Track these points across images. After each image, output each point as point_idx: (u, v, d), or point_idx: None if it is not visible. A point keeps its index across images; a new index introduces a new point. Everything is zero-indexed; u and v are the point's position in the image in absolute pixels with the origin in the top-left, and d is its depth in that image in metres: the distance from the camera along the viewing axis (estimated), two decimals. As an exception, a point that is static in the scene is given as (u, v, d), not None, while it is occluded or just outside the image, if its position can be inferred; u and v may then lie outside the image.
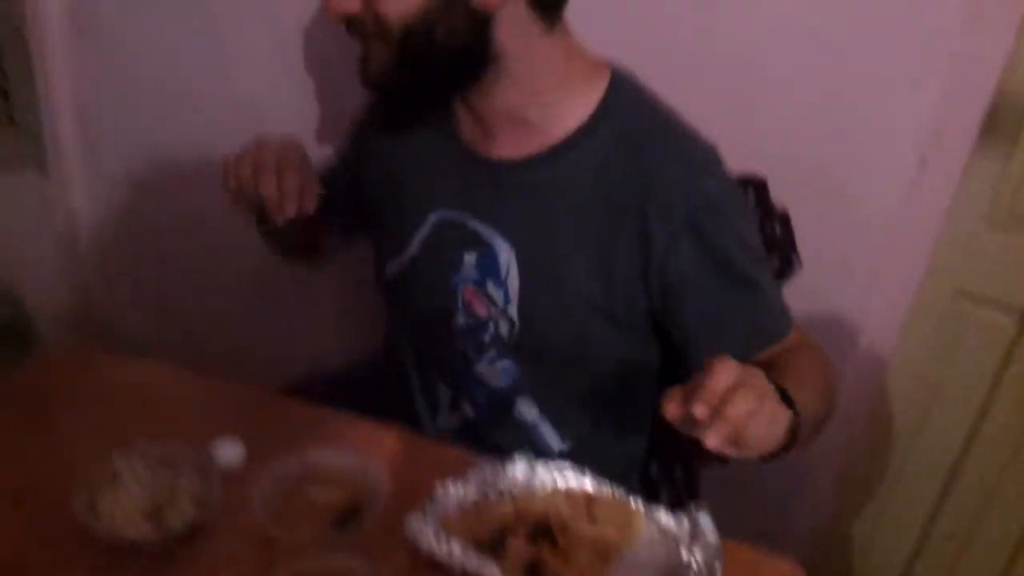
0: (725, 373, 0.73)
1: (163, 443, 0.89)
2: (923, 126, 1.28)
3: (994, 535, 1.64)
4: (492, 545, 0.85)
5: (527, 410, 1.11)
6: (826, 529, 1.74)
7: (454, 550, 0.82)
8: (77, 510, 0.81)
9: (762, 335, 1.02)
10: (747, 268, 1.02)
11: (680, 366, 1.09)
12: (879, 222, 1.37)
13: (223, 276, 1.84)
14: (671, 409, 0.75)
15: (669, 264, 0.98)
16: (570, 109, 1.01)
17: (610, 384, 1.11)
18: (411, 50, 0.94)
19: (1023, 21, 1.23)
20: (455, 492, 0.90)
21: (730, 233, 1.00)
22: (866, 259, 1.41)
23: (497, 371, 1.08)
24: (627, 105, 1.02)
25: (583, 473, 0.94)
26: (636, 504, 0.91)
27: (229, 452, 0.92)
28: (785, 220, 1.25)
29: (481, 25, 0.93)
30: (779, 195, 1.23)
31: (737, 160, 1.09)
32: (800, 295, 1.15)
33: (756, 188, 1.24)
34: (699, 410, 0.71)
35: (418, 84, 0.99)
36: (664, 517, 0.90)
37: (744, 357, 0.92)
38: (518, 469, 0.93)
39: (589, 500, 0.91)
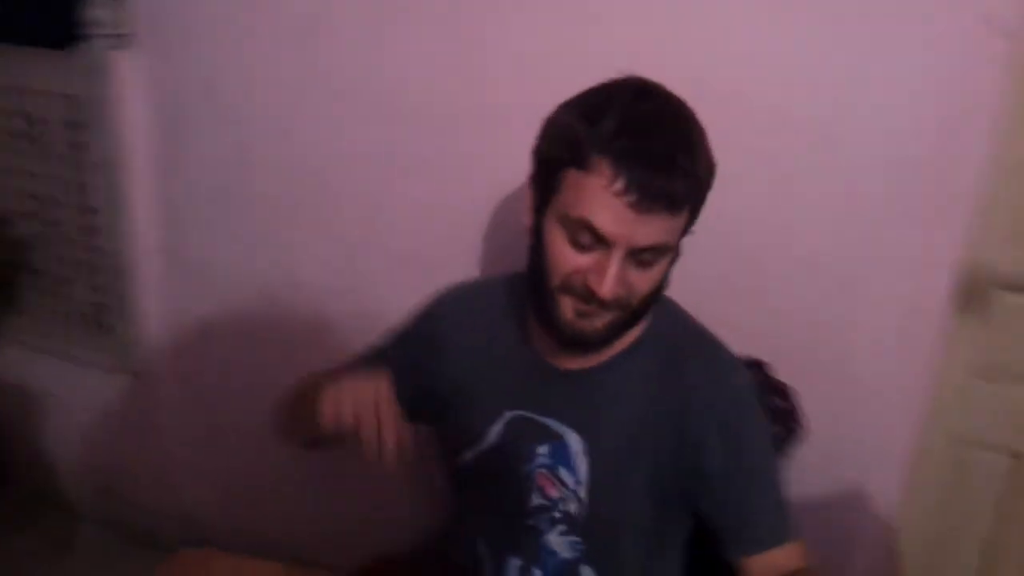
0: None
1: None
2: (901, 302, 1.50)
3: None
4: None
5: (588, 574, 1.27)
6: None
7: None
8: None
9: (780, 526, 1.17)
10: (766, 463, 1.20)
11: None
12: (873, 387, 1.56)
13: (294, 462, 1.96)
14: None
15: (702, 454, 1.17)
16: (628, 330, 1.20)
17: (654, 546, 1.28)
18: (638, 313, 1.15)
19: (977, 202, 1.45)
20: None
21: (753, 427, 1.20)
22: (868, 422, 1.59)
23: (565, 543, 1.25)
24: (668, 323, 1.24)
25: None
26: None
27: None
28: (785, 393, 1.44)
29: None
30: (783, 373, 1.43)
31: (743, 342, 1.29)
32: (814, 455, 1.32)
33: (758, 367, 1.44)
34: None
35: (624, 332, 1.18)
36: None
37: (767, 543, 1.16)
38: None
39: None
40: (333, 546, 1.74)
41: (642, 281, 1.10)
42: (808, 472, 1.25)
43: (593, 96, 1.09)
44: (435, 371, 1.30)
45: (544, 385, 1.25)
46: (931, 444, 1.63)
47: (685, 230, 1.11)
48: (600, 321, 1.12)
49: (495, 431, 1.26)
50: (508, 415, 1.26)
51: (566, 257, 1.09)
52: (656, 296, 1.15)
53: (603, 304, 1.09)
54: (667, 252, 1.10)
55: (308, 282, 1.92)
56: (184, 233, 2.02)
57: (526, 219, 1.16)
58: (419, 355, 1.32)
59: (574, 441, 1.22)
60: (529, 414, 1.25)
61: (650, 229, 1.04)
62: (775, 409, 1.41)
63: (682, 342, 1.23)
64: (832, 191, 1.49)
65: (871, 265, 1.50)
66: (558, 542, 1.25)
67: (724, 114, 1.15)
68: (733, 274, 1.56)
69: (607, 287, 1.05)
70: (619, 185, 1.01)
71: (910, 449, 1.61)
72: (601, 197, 1.03)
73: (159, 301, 2.09)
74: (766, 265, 1.55)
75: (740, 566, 1.17)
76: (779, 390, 1.44)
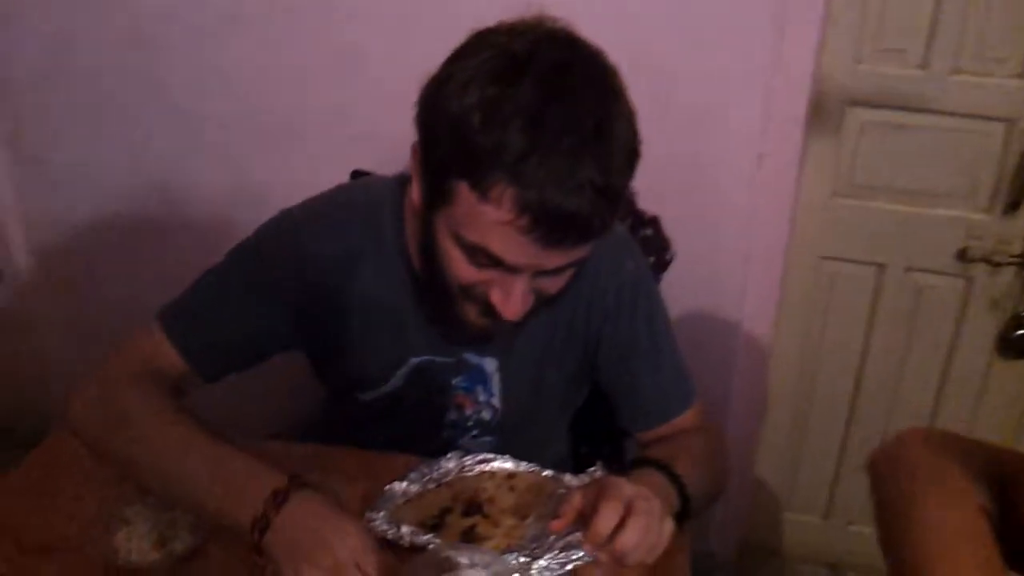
0: (610, 514, 0.88)
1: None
2: (754, 127, 1.52)
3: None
4: (434, 524, 1.06)
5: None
6: (757, 479, 1.97)
7: (403, 532, 1.04)
8: (99, 550, 1.01)
9: (671, 402, 1.19)
10: (659, 338, 1.19)
11: None
12: (739, 212, 1.61)
13: None
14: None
15: (602, 342, 1.17)
16: None
17: (555, 424, 1.32)
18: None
19: (823, 20, 1.48)
20: (401, 488, 1.11)
21: (646, 306, 1.17)
22: (735, 243, 1.65)
23: (478, 444, 1.25)
24: None
25: (504, 457, 1.15)
26: (546, 473, 1.13)
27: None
28: (655, 224, 1.47)
29: None
30: (649, 204, 1.45)
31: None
32: (685, 282, 1.36)
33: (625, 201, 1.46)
34: (587, 548, 0.91)
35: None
36: (570, 479, 1.12)
37: (656, 420, 1.19)
38: (451, 462, 1.15)
39: (509, 476, 1.13)
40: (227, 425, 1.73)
41: (555, 284, 0.98)
42: (680, 302, 1.29)
43: (496, 70, 0.85)
44: (306, 309, 1.11)
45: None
46: (798, 263, 1.72)
47: None
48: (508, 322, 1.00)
49: (399, 375, 1.17)
50: (414, 361, 1.16)
51: (463, 270, 0.94)
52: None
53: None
54: (575, 263, 0.95)
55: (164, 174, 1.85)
56: (22, 122, 1.92)
57: (414, 195, 0.98)
58: (283, 287, 1.10)
59: (490, 364, 1.19)
60: (440, 358, 1.17)
61: (561, 256, 0.90)
62: (645, 238, 1.45)
63: None
64: (677, 10, 1.50)
65: (718, 93, 1.52)
66: (471, 443, 1.26)
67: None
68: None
69: (513, 310, 0.94)
70: (524, 222, 0.84)
71: (778, 270, 1.69)
72: (502, 231, 0.86)
73: (14, 199, 2.00)
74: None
75: (639, 437, 1.21)
76: (648, 221, 1.47)
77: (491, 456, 1.16)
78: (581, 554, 0.99)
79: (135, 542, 1.02)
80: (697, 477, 1.06)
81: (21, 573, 1.02)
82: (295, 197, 1.13)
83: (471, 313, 0.99)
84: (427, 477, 1.13)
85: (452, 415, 1.23)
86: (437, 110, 0.89)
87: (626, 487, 0.92)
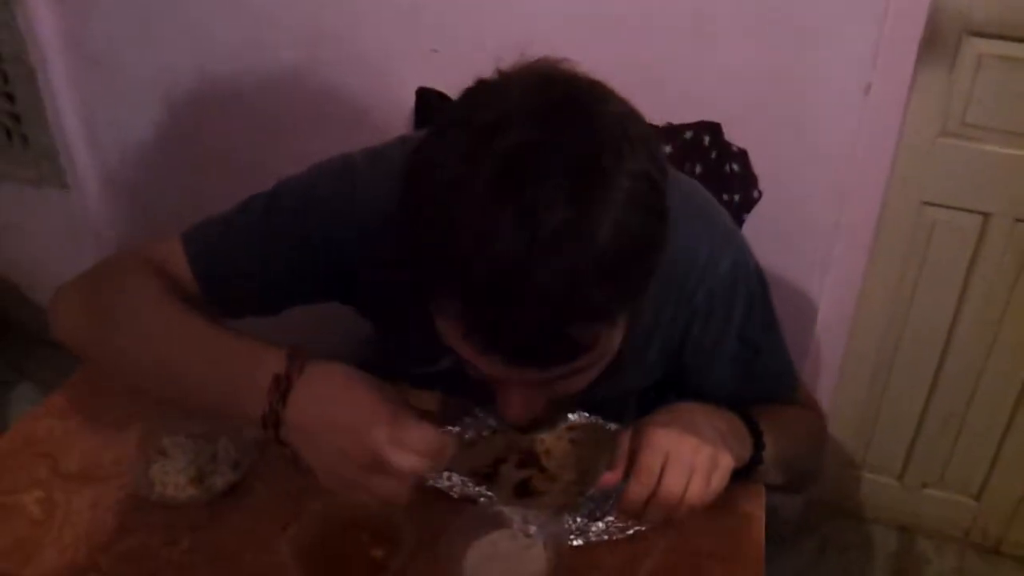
0: (653, 455, 0.80)
1: (201, 421, 1.03)
2: (864, 54, 1.36)
3: (982, 421, 1.76)
4: (487, 474, 0.99)
5: None
6: (831, 434, 1.86)
7: (455, 480, 0.96)
8: (135, 482, 0.97)
9: (766, 394, 1.05)
10: (755, 334, 1.02)
11: None
12: (837, 147, 1.46)
13: None
14: (608, 479, 0.84)
15: (687, 343, 1.02)
16: None
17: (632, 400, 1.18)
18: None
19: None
20: (455, 432, 1.04)
21: (740, 307, 1.00)
22: (830, 182, 1.50)
23: None
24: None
25: (565, 407, 1.07)
26: (610, 426, 1.04)
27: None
28: (743, 158, 1.35)
29: None
30: (738, 136, 1.33)
31: (694, 108, 1.18)
32: (773, 221, 1.25)
33: (712, 132, 1.34)
34: (634, 497, 0.81)
35: None
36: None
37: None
38: (508, 408, 1.06)
39: (569, 428, 1.04)
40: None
41: (572, 385, 0.80)
42: (766, 240, 1.17)
43: (457, 149, 0.69)
44: (348, 268, 0.97)
45: None
46: (896, 207, 1.57)
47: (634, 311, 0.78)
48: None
49: (447, 362, 1.00)
50: None
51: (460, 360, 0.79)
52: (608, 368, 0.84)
53: None
54: (593, 364, 0.78)
55: (230, 74, 1.76)
56: (88, 26, 1.84)
57: None
58: (327, 239, 0.96)
59: None
60: None
61: (547, 374, 0.74)
62: (731, 174, 1.34)
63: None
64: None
65: (830, 14, 1.36)
66: None
67: None
68: (678, 33, 1.41)
69: (514, 416, 0.81)
70: (476, 342, 0.70)
71: (874, 213, 1.54)
72: (461, 346, 0.73)
73: (74, 105, 1.94)
74: (715, 20, 1.40)
75: None
76: (735, 154, 1.36)
77: (552, 404, 1.07)
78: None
79: (172, 476, 0.97)
80: (784, 441, 0.95)
81: (55, 499, 0.99)
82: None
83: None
84: (482, 423, 1.05)
85: None
86: (407, 186, 0.73)
87: (663, 436, 0.82)
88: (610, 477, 0.84)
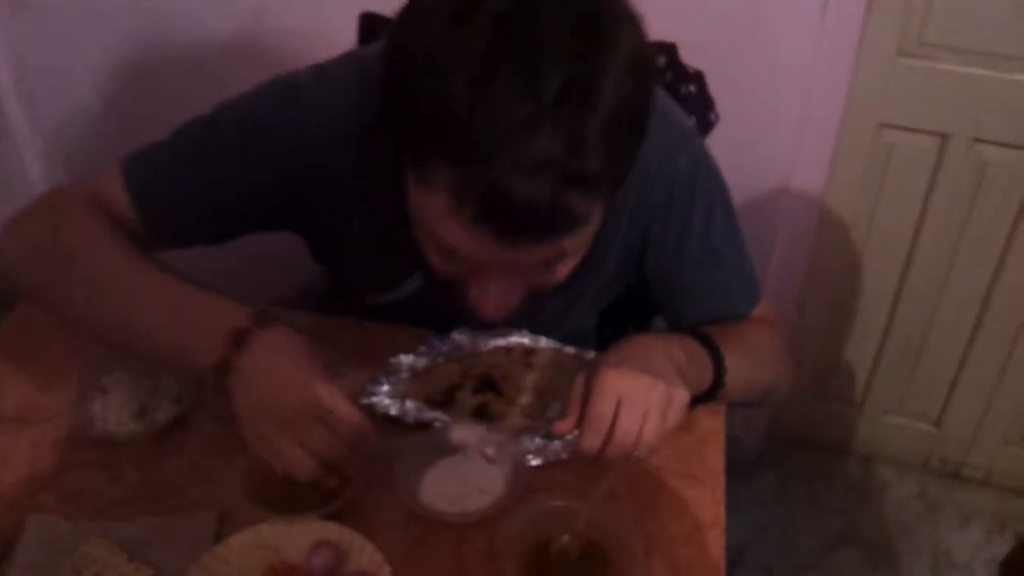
0: (604, 401, 0.78)
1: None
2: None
3: (940, 347, 1.78)
4: (442, 401, 0.96)
5: None
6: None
7: (408, 407, 0.94)
8: (75, 419, 0.93)
9: (730, 307, 1.03)
10: (718, 241, 0.99)
11: None
12: (794, 68, 1.44)
13: None
14: (561, 428, 0.82)
15: (649, 243, 0.98)
16: None
17: (585, 317, 1.14)
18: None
19: None
20: (407, 361, 1.01)
21: (703, 206, 0.98)
22: (788, 105, 1.48)
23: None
24: None
25: (521, 332, 1.04)
26: (568, 349, 1.02)
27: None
28: (699, 79, 1.31)
29: None
30: (692, 58, 1.29)
31: (649, 27, 1.14)
32: (730, 146, 1.22)
33: (668, 52, 1.30)
34: (588, 447, 0.79)
35: None
36: (593, 356, 1.01)
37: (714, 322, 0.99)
38: (463, 336, 1.04)
39: (527, 352, 1.02)
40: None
41: (550, 278, 0.80)
42: (724, 165, 1.14)
43: (456, 1, 0.66)
44: (300, 190, 0.92)
45: None
46: (855, 130, 1.55)
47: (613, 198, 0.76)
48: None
49: (411, 282, 0.99)
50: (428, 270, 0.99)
51: (434, 260, 0.79)
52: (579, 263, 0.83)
53: None
54: (574, 251, 0.77)
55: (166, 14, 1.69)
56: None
57: None
58: (274, 159, 0.90)
59: None
60: None
61: (535, 254, 0.72)
62: (687, 96, 1.30)
63: None
64: None
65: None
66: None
67: None
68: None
69: (488, 310, 0.79)
70: (468, 215, 0.67)
71: (832, 136, 1.53)
72: (447, 224, 0.70)
73: (3, 51, 1.85)
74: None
75: None
76: (692, 76, 1.32)
77: (507, 330, 1.04)
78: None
79: (113, 412, 0.93)
80: (746, 361, 0.93)
81: (-8, 443, 0.95)
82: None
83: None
84: (436, 351, 1.02)
85: (467, 314, 1.07)
86: (391, 47, 0.69)
87: (615, 379, 0.79)
88: (562, 426, 0.82)
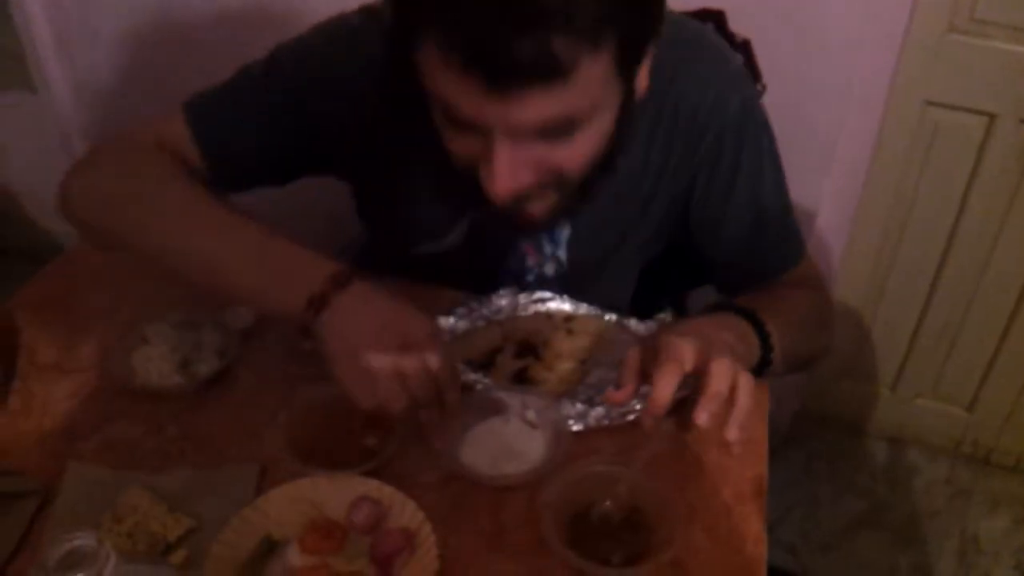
0: (667, 383, 0.72)
1: (184, 310, 0.99)
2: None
3: (977, 331, 1.75)
4: (483, 364, 0.96)
5: None
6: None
7: (449, 368, 0.93)
8: (116, 370, 0.93)
9: (774, 262, 1.03)
10: (765, 191, 0.99)
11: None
12: (842, 41, 1.41)
13: None
14: (618, 397, 0.77)
15: (696, 188, 0.98)
16: None
17: (621, 273, 1.12)
18: (587, 183, 0.83)
19: None
20: (447, 324, 1.00)
21: (753, 153, 0.97)
22: (835, 78, 1.45)
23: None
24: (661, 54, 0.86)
25: (561, 297, 1.03)
26: (609, 317, 1.01)
27: (241, 314, 1.02)
28: (746, 48, 1.29)
29: None
30: (741, 26, 1.26)
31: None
32: (774, 117, 1.19)
33: (715, 19, 1.28)
34: (702, 419, 0.72)
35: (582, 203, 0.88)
36: (635, 324, 1.00)
37: (760, 281, 1.00)
38: (503, 299, 1.03)
39: (567, 318, 1.01)
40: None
41: (565, 157, 0.78)
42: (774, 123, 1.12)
43: None
44: (353, 133, 0.95)
45: None
46: (900, 106, 1.52)
47: (626, 71, 0.75)
48: (539, 205, 0.83)
49: (458, 231, 1.01)
50: (472, 214, 0.99)
51: (448, 137, 0.79)
52: (607, 153, 0.81)
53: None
54: (585, 119, 0.75)
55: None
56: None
57: None
58: (329, 100, 0.93)
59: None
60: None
61: (529, 109, 0.70)
62: (733, 65, 1.28)
63: (674, 74, 0.91)
64: None
65: None
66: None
67: None
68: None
69: (499, 185, 0.76)
70: (455, 62, 0.67)
71: (878, 112, 1.50)
72: (440, 77, 0.70)
73: (42, 4, 1.85)
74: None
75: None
76: (739, 44, 1.29)
77: (548, 295, 1.03)
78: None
79: (155, 363, 0.93)
80: (790, 335, 0.91)
81: (33, 390, 0.95)
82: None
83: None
84: (476, 314, 1.02)
85: (512, 265, 1.06)
86: None
87: (686, 347, 0.74)
88: (619, 395, 0.78)
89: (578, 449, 0.86)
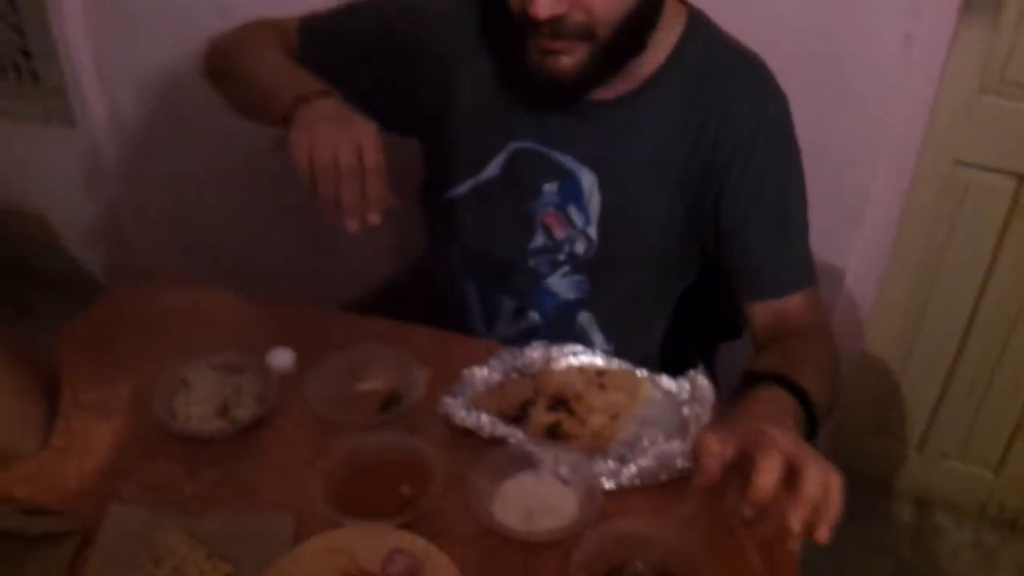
0: (771, 468, 0.71)
1: (225, 354, 1.02)
2: (906, 2, 1.32)
3: (1006, 392, 1.73)
4: (516, 417, 0.97)
5: (586, 319, 1.19)
6: (849, 400, 1.84)
7: (483, 422, 0.94)
8: (157, 413, 0.95)
9: (788, 275, 1.08)
10: (790, 203, 1.08)
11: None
12: (874, 99, 1.43)
13: (251, 203, 1.95)
14: (701, 482, 0.74)
15: (726, 188, 1.05)
16: (653, 52, 1.04)
17: (653, 289, 1.20)
18: (617, 44, 0.98)
19: None
20: (481, 375, 1.01)
21: (783, 162, 1.07)
22: (865, 136, 1.47)
23: (568, 284, 1.15)
24: (698, 45, 1.06)
25: (593, 351, 1.04)
26: (641, 373, 1.02)
27: (282, 358, 1.03)
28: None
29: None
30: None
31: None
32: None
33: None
34: (748, 511, 0.73)
35: (607, 72, 1.02)
36: (667, 382, 1.01)
37: (769, 291, 1.06)
38: (535, 352, 1.04)
39: (599, 373, 1.02)
40: (295, 294, 1.67)
41: None
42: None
43: None
44: (420, 76, 1.12)
45: (556, 115, 1.09)
46: (931, 165, 1.53)
47: None
48: (569, 60, 0.97)
49: (497, 162, 1.12)
50: (513, 147, 1.11)
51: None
52: (635, 21, 0.97)
53: (547, 28, 0.94)
54: None
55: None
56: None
57: None
58: (396, 51, 1.12)
59: (587, 178, 1.09)
60: (538, 147, 1.10)
61: None
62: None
63: (717, 64, 1.06)
64: None
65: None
66: (560, 284, 1.16)
67: None
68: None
69: (539, 5, 0.91)
70: None
71: (908, 170, 1.51)
72: None
73: (86, 41, 1.91)
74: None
75: (748, 311, 1.08)
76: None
77: (579, 348, 1.05)
78: (678, 463, 0.89)
79: (196, 407, 0.95)
80: (820, 391, 0.92)
81: (74, 428, 0.97)
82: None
83: (534, 51, 0.98)
84: (509, 365, 1.03)
85: (540, 239, 1.13)
86: None
87: (779, 434, 0.74)
88: (701, 480, 0.74)
89: (610, 507, 0.87)
